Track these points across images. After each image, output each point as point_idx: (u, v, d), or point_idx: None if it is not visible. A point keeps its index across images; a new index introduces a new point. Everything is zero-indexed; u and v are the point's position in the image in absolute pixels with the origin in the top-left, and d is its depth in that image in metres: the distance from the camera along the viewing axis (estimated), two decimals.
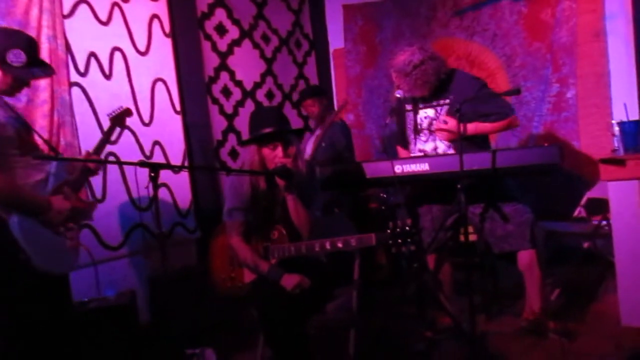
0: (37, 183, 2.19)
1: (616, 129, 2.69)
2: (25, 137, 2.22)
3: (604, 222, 3.35)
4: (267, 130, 2.40)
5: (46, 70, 2.34)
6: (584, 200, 3.74)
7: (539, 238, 2.77)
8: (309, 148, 3.88)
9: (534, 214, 2.77)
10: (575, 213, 3.72)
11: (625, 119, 2.70)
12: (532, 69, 4.10)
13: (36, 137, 2.38)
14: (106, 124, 2.69)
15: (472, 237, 2.93)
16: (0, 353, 2.12)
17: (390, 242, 2.13)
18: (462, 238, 2.58)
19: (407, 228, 2.11)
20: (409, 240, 2.10)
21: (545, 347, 2.62)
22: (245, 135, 3.63)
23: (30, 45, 2.23)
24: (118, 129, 2.73)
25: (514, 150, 3.04)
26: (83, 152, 2.62)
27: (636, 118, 3.07)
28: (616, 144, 2.77)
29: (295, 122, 4.70)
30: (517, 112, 4.12)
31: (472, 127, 2.74)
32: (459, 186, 2.48)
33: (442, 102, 2.86)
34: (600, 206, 3.35)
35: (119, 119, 2.73)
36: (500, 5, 4.22)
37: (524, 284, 2.80)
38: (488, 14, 4.30)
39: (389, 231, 2.13)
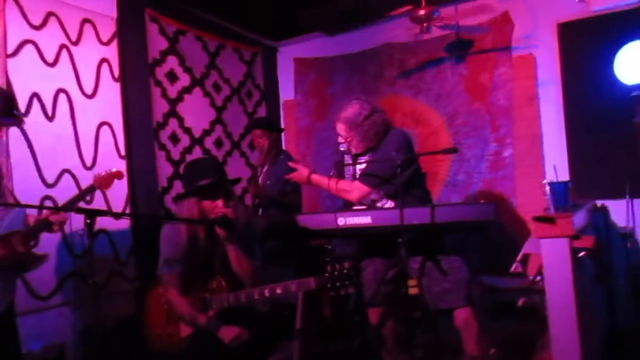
0: None
1: (547, 188, 2.83)
2: None
3: (539, 278, 3.46)
4: (207, 181, 2.39)
5: (16, 121, 2.32)
6: (520, 256, 3.87)
7: (476, 294, 2.82)
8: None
9: (474, 269, 2.83)
10: (513, 268, 3.84)
11: (555, 180, 2.85)
12: (473, 128, 4.30)
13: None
14: (46, 168, 2.62)
15: (414, 291, 2.96)
16: None
17: (329, 285, 2.13)
18: (403, 292, 2.60)
19: (345, 271, 2.12)
20: (347, 283, 2.12)
21: None
22: None
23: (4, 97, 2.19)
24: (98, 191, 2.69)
25: (452, 205, 3.15)
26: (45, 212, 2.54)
27: (566, 179, 3.26)
28: (548, 203, 2.91)
29: (243, 171, 4.69)
30: (459, 169, 4.33)
31: (317, 179, 2.92)
32: (399, 240, 2.52)
33: (370, 156, 2.92)
34: (535, 262, 3.47)
35: (106, 180, 2.69)
36: (443, 67, 4.46)
37: (462, 339, 2.83)
38: (432, 75, 4.52)
39: (327, 274, 2.13)
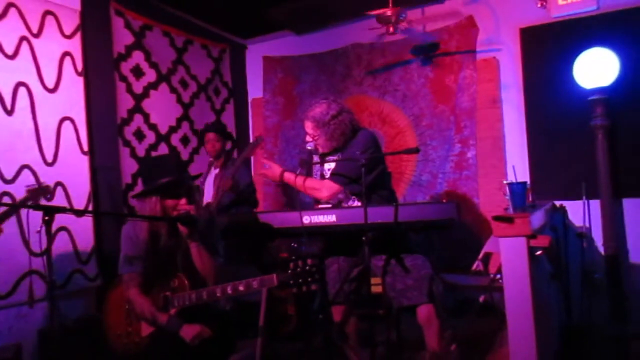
0: None
1: (507, 188, 2.90)
2: None
3: (499, 276, 3.55)
4: (168, 179, 2.36)
5: None
6: (481, 255, 3.97)
7: (438, 292, 2.88)
8: (209, 188, 3.87)
9: (436, 267, 2.89)
10: (474, 267, 3.93)
11: (514, 180, 2.93)
12: (438, 129, 4.38)
13: None
14: (4, 162, 2.55)
15: (377, 289, 3.00)
16: None
17: (292, 281, 2.14)
18: (366, 290, 2.64)
19: (307, 268, 2.13)
20: (309, 279, 2.13)
21: None
22: None
23: None
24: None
25: (415, 205, 3.19)
26: None
27: (526, 180, 3.35)
28: (507, 203, 2.99)
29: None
30: (423, 169, 4.40)
31: (288, 177, 2.95)
32: (363, 238, 2.56)
33: (338, 156, 2.95)
34: (495, 261, 3.56)
35: (37, 193, 2.63)
36: (409, 68, 4.52)
37: (423, 336, 2.88)
38: (399, 76, 4.58)
39: (290, 271, 2.14)
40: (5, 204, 3.01)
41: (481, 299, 3.61)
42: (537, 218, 2.94)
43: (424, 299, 2.78)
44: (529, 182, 3.26)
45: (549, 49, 3.98)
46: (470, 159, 4.22)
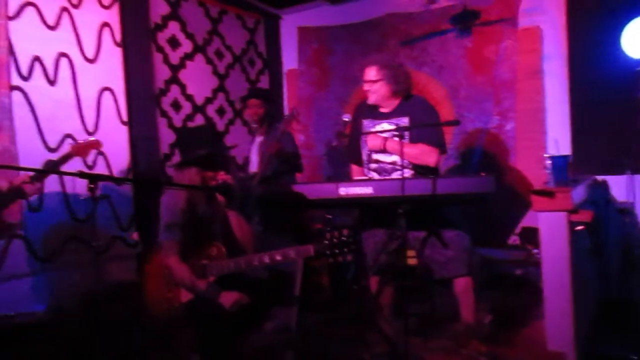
0: None
1: (548, 162, 2.84)
2: None
3: (536, 251, 3.50)
4: (206, 151, 2.38)
5: None
6: (518, 229, 3.91)
7: (475, 264, 2.87)
8: (254, 156, 3.86)
9: (472, 241, 2.87)
10: (510, 241, 3.88)
11: (556, 154, 2.86)
12: (475, 101, 4.28)
13: None
14: (48, 132, 2.62)
15: (413, 262, 3.00)
16: None
17: (328, 252, 2.16)
18: (402, 262, 2.64)
19: (343, 238, 2.14)
20: (345, 250, 2.14)
21: None
22: None
23: None
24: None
25: (452, 178, 3.16)
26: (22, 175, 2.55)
27: (567, 153, 3.27)
28: (548, 177, 2.93)
29: (245, 140, 4.68)
30: (461, 142, 4.33)
31: (391, 144, 2.83)
32: (400, 211, 2.55)
33: (400, 120, 2.90)
34: (533, 235, 3.51)
35: (83, 149, 2.69)
36: (447, 38, 4.41)
37: (458, 307, 2.89)
38: (435, 47, 4.47)
39: (326, 242, 2.16)
40: (52, 170, 3.10)
41: (517, 273, 3.58)
42: (579, 193, 2.88)
43: (463, 271, 2.77)
44: (570, 156, 3.18)
45: (595, 17, 3.81)
46: (508, 131, 4.13)
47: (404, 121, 2.89)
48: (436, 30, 4.44)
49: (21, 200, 2.92)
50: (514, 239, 3.93)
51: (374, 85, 2.88)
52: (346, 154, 3.22)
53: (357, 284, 2.87)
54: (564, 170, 2.76)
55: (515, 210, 3.97)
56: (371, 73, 2.88)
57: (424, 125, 2.75)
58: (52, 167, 2.58)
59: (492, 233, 3.82)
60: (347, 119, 3.03)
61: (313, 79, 5.13)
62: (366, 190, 2.73)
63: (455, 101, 4.38)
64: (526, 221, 3.84)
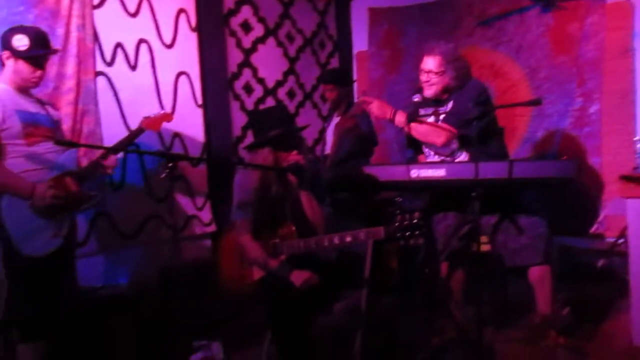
0: (37, 171, 2.32)
1: (638, 146, 2.65)
2: (37, 130, 2.35)
3: (621, 240, 3.30)
4: (278, 131, 2.40)
5: (48, 50, 2.43)
6: (601, 217, 3.69)
7: (553, 253, 2.74)
8: (329, 137, 3.86)
9: (550, 229, 2.74)
10: (592, 230, 3.68)
11: None
12: (556, 82, 4.06)
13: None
14: (130, 116, 2.74)
15: (485, 248, 2.91)
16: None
17: (399, 234, 2.13)
18: (474, 248, 2.57)
19: (414, 221, 2.11)
20: (417, 233, 2.11)
21: None
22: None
23: (35, 33, 2.34)
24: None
25: (531, 161, 3.03)
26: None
27: None
28: (637, 162, 2.74)
29: (315, 122, 4.70)
30: (539, 125, 4.13)
31: (401, 118, 2.80)
32: (473, 194, 2.47)
33: (446, 107, 2.83)
34: (617, 224, 3.30)
35: (154, 122, 2.81)
36: (526, 17, 4.19)
37: (534, 297, 2.77)
38: (514, 25, 4.27)
39: (397, 224, 2.13)
40: (135, 150, 3.26)
41: (599, 263, 3.39)
42: None
43: (538, 259, 2.66)
44: None
45: None
46: (593, 114, 3.89)
47: (448, 106, 2.81)
48: (516, 7, 4.23)
49: (103, 176, 3.11)
50: (596, 228, 3.71)
51: (434, 77, 2.77)
52: (407, 144, 3.15)
53: (428, 269, 2.82)
54: None
55: (598, 196, 3.75)
56: (433, 64, 2.76)
57: (504, 106, 2.65)
58: (126, 142, 2.71)
59: (572, 221, 3.63)
60: (417, 99, 2.95)
61: (384, 61, 5.05)
62: (438, 173, 2.67)
63: (533, 82, 4.18)
64: (611, 208, 3.61)
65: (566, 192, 3.17)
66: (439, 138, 2.77)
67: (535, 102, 2.60)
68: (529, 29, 4.19)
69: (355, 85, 5.24)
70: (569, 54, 4.00)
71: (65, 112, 3.01)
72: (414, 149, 3.09)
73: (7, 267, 2.33)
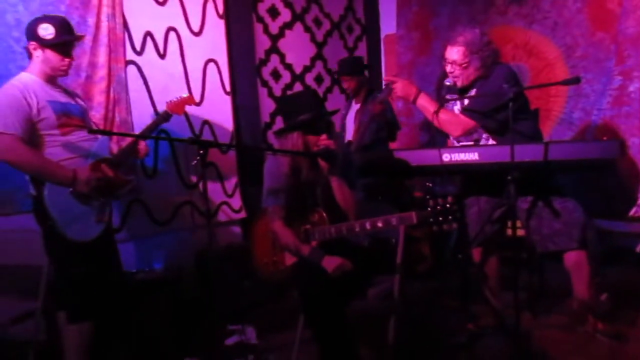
0: (73, 159, 2.34)
1: None
2: (70, 120, 2.37)
3: None
4: (308, 116, 2.37)
5: (74, 36, 2.44)
6: None
7: (591, 237, 2.66)
8: (349, 125, 3.83)
9: (587, 212, 2.65)
10: (632, 212, 3.55)
11: None
12: (594, 61, 3.90)
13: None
14: (160, 104, 2.75)
15: (521, 232, 2.84)
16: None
17: (432, 220, 2.09)
18: (509, 232, 2.51)
19: (448, 205, 2.06)
20: (450, 217, 2.06)
21: (592, 348, 2.53)
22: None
23: (59, 21, 2.35)
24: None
25: (569, 143, 2.93)
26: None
27: None
28: None
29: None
30: (575, 105, 3.99)
31: (423, 101, 2.72)
32: (509, 178, 2.40)
33: (470, 91, 2.75)
34: None
35: (177, 105, 2.82)
36: None
37: (571, 283, 2.70)
38: (549, 2, 4.12)
39: (429, 209, 2.09)
40: (166, 138, 3.29)
41: (638, 248, 3.28)
42: None
43: (573, 244, 2.58)
44: None
45: None
46: (632, 92, 3.71)
47: (472, 92, 2.73)
48: None
49: (136, 163, 3.15)
50: (635, 211, 3.58)
51: (458, 69, 2.68)
52: (436, 130, 3.07)
53: (461, 254, 2.78)
54: None
55: (637, 178, 3.62)
56: (457, 54, 2.66)
57: (539, 86, 2.55)
58: (153, 127, 2.73)
59: (611, 203, 3.51)
60: (449, 83, 2.87)
61: (413, 44, 4.95)
62: (471, 157, 2.61)
63: (570, 61, 4.02)
64: None
65: (604, 175, 3.06)
66: (456, 131, 2.71)
67: (574, 81, 2.49)
68: (565, 5, 4.03)
69: (383, 69, 5.19)
70: (607, 31, 3.83)
71: (98, 101, 3.05)
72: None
73: (52, 254, 2.38)
